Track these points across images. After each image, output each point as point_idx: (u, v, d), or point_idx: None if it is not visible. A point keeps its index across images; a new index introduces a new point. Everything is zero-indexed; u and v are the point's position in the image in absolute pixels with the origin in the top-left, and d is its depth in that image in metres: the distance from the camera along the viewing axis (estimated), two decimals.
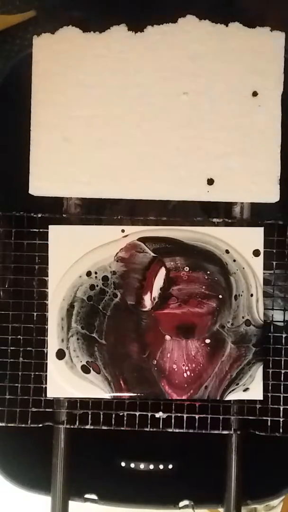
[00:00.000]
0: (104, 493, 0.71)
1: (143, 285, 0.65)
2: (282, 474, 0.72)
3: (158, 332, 0.65)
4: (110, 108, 0.64)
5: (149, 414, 0.65)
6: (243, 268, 0.65)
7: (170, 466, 0.76)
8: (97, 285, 0.65)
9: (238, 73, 0.64)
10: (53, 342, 0.65)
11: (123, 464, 0.76)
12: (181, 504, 0.71)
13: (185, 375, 0.64)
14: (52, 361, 0.65)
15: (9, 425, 0.66)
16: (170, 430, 0.65)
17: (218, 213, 0.74)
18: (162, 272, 0.65)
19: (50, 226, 0.65)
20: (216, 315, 0.65)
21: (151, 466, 0.75)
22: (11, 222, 0.67)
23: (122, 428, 0.65)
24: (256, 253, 0.65)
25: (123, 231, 0.65)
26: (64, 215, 0.67)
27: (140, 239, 0.65)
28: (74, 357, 0.65)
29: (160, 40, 0.64)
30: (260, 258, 0.65)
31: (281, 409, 0.65)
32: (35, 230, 0.66)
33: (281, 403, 0.66)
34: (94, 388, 0.64)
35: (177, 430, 0.65)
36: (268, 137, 0.64)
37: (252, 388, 0.65)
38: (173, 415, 0.65)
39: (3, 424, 0.66)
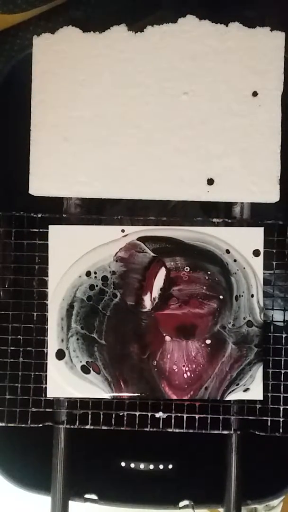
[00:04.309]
0: (104, 493, 0.71)
1: (143, 285, 0.65)
2: (282, 474, 0.72)
3: (158, 333, 0.65)
4: (110, 108, 0.64)
5: (149, 414, 0.65)
6: (244, 268, 0.65)
7: (170, 466, 0.76)
8: (97, 285, 0.65)
9: (238, 73, 0.64)
10: (53, 342, 0.65)
11: (123, 464, 0.76)
12: (181, 504, 0.71)
13: (185, 376, 0.64)
14: (52, 361, 0.65)
15: (9, 425, 0.66)
16: (170, 430, 0.65)
17: (218, 213, 0.74)
18: (162, 272, 0.65)
19: (50, 226, 0.65)
20: (217, 316, 0.65)
21: (151, 466, 0.75)
22: (11, 222, 0.67)
23: (122, 428, 0.65)
24: (256, 253, 0.65)
25: (123, 231, 0.65)
26: (64, 215, 0.67)
27: (140, 239, 0.65)
28: (74, 357, 0.65)
29: (160, 40, 0.64)
30: (260, 258, 0.65)
31: (281, 409, 0.65)
32: (35, 230, 0.66)
33: (281, 403, 0.66)
34: (94, 388, 0.64)
35: (177, 430, 0.65)
36: (268, 137, 0.64)
37: (252, 388, 0.65)
38: (173, 415, 0.65)
39: (3, 424, 0.66)
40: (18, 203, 0.68)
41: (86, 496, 0.71)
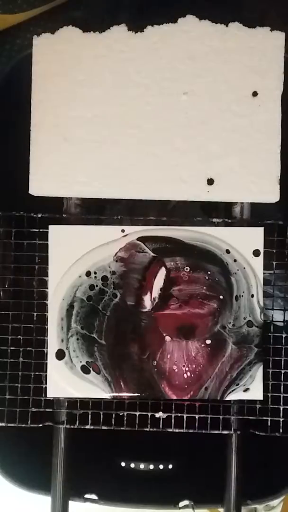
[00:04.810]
0: (104, 493, 0.71)
1: (143, 285, 0.65)
2: (282, 474, 0.73)
3: (158, 333, 0.65)
4: (110, 108, 0.64)
5: (149, 414, 0.65)
6: (244, 268, 0.65)
7: (170, 466, 0.76)
8: (97, 285, 0.65)
9: (238, 73, 0.64)
10: (53, 342, 0.65)
11: (123, 464, 0.76)
12: (181, 504, 0.71)
13: (185, 376, 0.64)
14: (52, 361, 0.65)
15: (9, 425, 0.66)
16: (170, 430, 0.65)
17: (218, 213, 0.74)
18: (162, 272, 0.65)
19: (50, 226, 0.65)
20: (217, 316, 0.65)
21: (151, 466, 0.75)
22: (11, 222, 0.67)
23: (122, 428, 0.65)
24: (256, 253, 0.65)
25: (123, 231, 0.65)
26: (64, 215, 0.67)
27: (139, 239, 0.65)
28: (74, 357, 0.65)
29: (160, 40, 0.64)
30: (260, 258, 0.65)
31: (281, 409, 0.65)
32: (35, 230, 0.66)
33: (281, 403, 0.66)
34: (94, 388, 0.64)
35: (177, 430, 0.65)
36: (268, 137, 0.64)
37: (252, 388, 0.65)
38: (173, 415, 0.65)
39: (3, 424, 0.66)
40: (18, 203, 0.68)
41: (86, 496, 0.71)
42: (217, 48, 0.64)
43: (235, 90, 0.64)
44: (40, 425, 0.66)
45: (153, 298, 0.65)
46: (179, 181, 0.64)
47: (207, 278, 0.65)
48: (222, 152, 0.64)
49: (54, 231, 0.65)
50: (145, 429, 0.65)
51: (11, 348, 0.66)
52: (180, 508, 0.71)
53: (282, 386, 0.66)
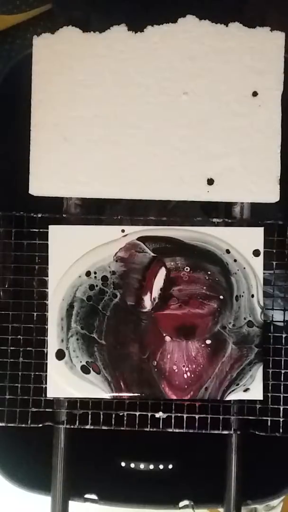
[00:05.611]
0: (104, 493, 0.71)
1: (143, 285, 0.65)
2: (282, 474, 0.72)
3: (158, 333, 0.65)
4: (110, 108, 0.64)
5: (149, 414, 0.65)
6: (244, 268, 0.65)
7: (170, 466, 0.76)
8: (97, 285, 0.65)
9: (238, 73, 0.64)
10: (53, 342, 0.65)
11: (123, 464, 0.76)
12: (181, 504, 0.71)
13: (185, 376, 0.64)
14: (51, 361, 0.65)
15: (9, 425, 0.66)
16: (170, 430, 0.65)
17: (218, 213, 0.74)
18: (162, 272, 0.65)
19: (50, 226, 0.65)
20: (217, 316, 0.65)
21: (151, 466, 0.75)
22: (11, 222, 0.67)
23: (122, 428, 0.65)
24: (256, 253, 0.65)
25: (123, 231, 0.65)
26: (64, 215, 0.67)
27: (139, 239, 0.65)
28: (74, 357, 0.65)
29: (160, 40, 0.64)
30: (260, 258, 0.65)
31: (281, 409, 0.65)
32: (35, 230, 0.66)
33: (281, 403, 0.66)
34: (94, 388, 0.64)
35: (177, 430, 0.65)
36: (268, 137, 0.64)
37: (252, 388, 0.65)
38: (173, 415, 0.65)
39: (3, 424, 0.66)
40: (18, 203, 0.68)
41: (86, 496, 0.71)
42: (217, 48, 0.64)
43: (235, 90, 0.64)
44: (40, 425, 0.66)
45: (153, 298, 0.65)
46: (179, 181, 0.64)
47: (207, 278, 0.65)
48: (222, 152, 0.64)
49: (54, 231, 0.65)
50: (145, 429, 0.65)
51: (11, 348, 0.66)
52: (180, 508, 0.71)
53: (282, 386, 0.66)
